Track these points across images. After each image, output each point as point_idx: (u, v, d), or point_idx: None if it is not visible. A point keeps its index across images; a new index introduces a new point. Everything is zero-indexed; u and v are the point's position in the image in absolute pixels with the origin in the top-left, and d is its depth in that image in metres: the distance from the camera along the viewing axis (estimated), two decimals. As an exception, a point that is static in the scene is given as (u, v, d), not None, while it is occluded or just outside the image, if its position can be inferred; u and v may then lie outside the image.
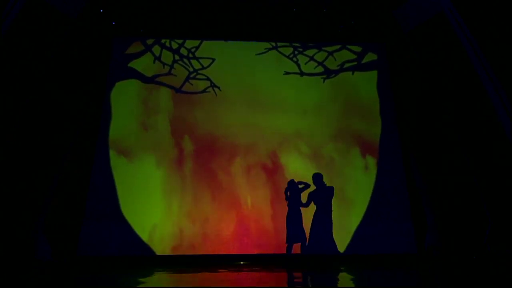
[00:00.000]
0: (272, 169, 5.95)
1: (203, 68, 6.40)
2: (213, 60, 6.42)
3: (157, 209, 5.62)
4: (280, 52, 6.56)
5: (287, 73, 6.45)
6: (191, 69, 6.36)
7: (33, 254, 5.00)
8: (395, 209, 5.81)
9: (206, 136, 6.02)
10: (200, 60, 6.42)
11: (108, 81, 6.18)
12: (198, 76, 6.34)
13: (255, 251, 5.52)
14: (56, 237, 5.20)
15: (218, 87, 6.26)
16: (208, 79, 6.31)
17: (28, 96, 5.12)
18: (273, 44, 6.59)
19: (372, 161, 6.08)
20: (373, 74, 6.60)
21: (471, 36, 5.22)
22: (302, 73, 6.49)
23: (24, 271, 4.55)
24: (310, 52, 6.61)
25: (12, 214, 4.86)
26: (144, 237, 5.47)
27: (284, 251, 5.49)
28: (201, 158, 5.91)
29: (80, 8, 5.65)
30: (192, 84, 6.28)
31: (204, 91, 6.24)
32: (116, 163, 5.78)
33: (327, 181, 5.78)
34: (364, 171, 6.02)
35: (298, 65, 6.52)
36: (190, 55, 6.45)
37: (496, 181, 5.03)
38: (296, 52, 6.57)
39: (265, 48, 6.53)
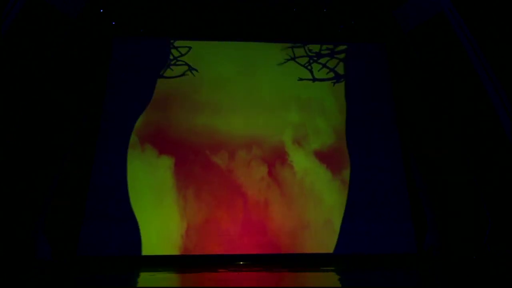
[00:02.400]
0: (274, 170, 5.94)
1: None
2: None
3: (156, 209, 5.61)
4: (298, 62, 6.55)
5: (300, 79, 6.45)
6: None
7: (33, 254, 5.00)
8: (395, 209, 5.81)
9: (208, 136, 6.02)
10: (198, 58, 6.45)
11: (108, 81, 6.18)
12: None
13: (255, 251, 5.52)
14: (56, 237, 5.19)
15: (196, 69, 6.32)
16: (186, 64, 6.36)
17: (28, 96, 5.12)
18: (288, 47, 6.59)
19: (371, 161, 6.08)
20: (375, 74, 6.60)
21: (471, 36, 5.22)
22: (314, 79, 6.48)
23: (24, 271, 4.55)
24: (314, 51, 6.62)
25: (12, 214, 4.86)
26: (144, 237, 5.46)
27: (285, 251, 5.50)
28: (202, 158, 5.90)
29: (80, 8, 5.65)
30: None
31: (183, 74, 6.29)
32: (116, 164, 5.77)
33: (330, 180, 5.82)
34: (364, 171, 6.02)
35: (309, 70, 6.53)
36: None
37: (496, 181, 5.03)
38: (311, 61, 6.56)
39: (285, 59, 6.53)
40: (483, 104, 5.10)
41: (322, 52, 6.66)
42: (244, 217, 5.66)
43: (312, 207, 5.77)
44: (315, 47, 6.66)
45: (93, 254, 5.29)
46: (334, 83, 6.50)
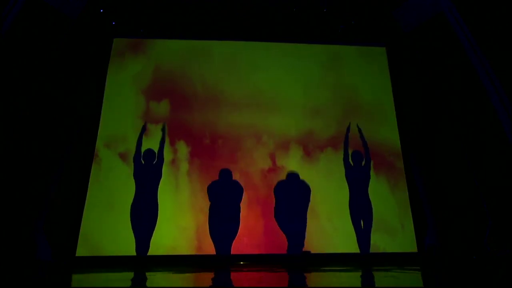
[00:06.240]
0: (273, 169, 5.94)
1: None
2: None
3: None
4: (298, 62, 6.57)
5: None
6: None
7: (33, 254, 5.00)
8: (395, 209, 5.81)
9: (205, 137, 6.02)
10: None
11: (108, 81, 6.18)
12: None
13: (255, 251, 5.52)
14: (56, 237, 5.19)
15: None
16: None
17: (28, 96, 5.13)
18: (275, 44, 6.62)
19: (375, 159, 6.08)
20: (375, 74, 6.61)
21: (471, 36, 5.22)
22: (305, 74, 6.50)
23: (24, 271, 4.55)
24: (314, 51, 6.62)
25: (12, 214, 4.86)
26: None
27: (284, 251, 5.50)
28: (200, 159, 5.91)
29: (80, 8, 5.66)
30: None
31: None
32: (115, 164, 5.77)
33: (330, 181, 5.85)
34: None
35: (300, 65, 6.53)
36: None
37: (496, 181, 5.03)
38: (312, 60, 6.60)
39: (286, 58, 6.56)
40: (483, 104, 5.10)
41: (324, 51, 6.68)
42: (243, 218, 5.64)
43: (314, 206, 5.76)
44: (316, 47, 6.67)
45: (93, 254, 5.29)
46: (336, 81, 6.50)
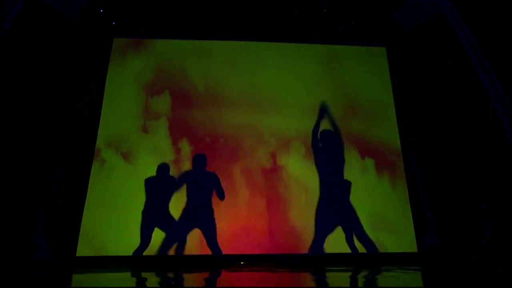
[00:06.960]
0: (274, 169, 5.94)
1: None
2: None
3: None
4: (299, 62, 6.56)
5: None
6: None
7: (33, 254, 5.00)
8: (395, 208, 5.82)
9: (205, 137, 6.02)
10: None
11: (108, 81, 6.18)
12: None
13: (255, 251, 5.52)
14: (56, 237, 5.19)
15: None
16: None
17: (28, 96, 5.12)
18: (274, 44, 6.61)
19: (371, 162, 6.08)
20: (375, 74, 6.61)
21: (471, 36, 5.23)
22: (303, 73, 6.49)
23: (24, 271, 4.55)
24: (314, 51, 6.62)
25: (12, 214, 4.86)
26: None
27: (284, 251, 5.49)
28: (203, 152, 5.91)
29: (80, 8, 5.66)
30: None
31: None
32: (115, 164, 5.77)
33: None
34: (364, 172, 6.02)
35: (300, 65, 6.53)
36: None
37: (496, 181, 5.03)
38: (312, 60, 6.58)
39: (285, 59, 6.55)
40: (483, 104, 5.10)
41: (324, 51, 6.68)
42: (243, 218, 5.64)
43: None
44: (316, 47, 6.68)
45: (93, 254, 5.29)
46: (336, 81, 6.50)
